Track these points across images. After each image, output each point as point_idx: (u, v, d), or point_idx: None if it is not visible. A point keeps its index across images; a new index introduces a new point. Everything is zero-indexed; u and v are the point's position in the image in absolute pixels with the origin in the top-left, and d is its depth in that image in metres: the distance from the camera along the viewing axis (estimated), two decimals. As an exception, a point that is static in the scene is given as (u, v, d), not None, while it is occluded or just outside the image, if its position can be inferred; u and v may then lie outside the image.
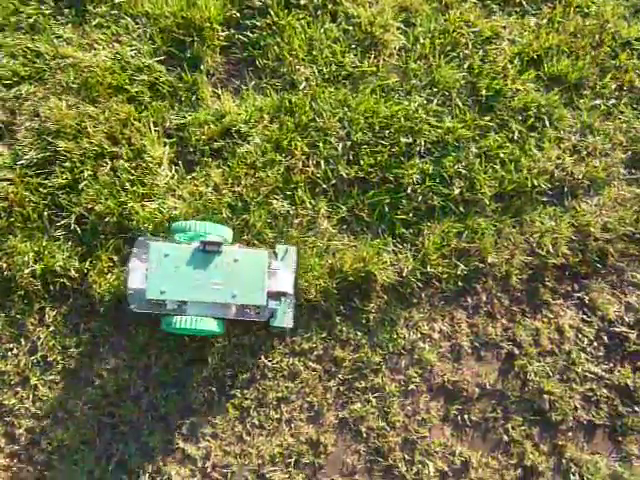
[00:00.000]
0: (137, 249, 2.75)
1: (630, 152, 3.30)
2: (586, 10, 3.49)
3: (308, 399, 2.89)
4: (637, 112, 3.36)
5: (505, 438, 2.91)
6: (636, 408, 2.99)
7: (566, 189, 3.21)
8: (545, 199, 3.18)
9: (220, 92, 3.21)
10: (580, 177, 3.22)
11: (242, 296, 2.69)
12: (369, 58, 3.27)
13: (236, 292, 2.68)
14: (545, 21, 3.44)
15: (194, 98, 3.19)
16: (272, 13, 3.29)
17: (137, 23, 3.26)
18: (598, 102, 3.34)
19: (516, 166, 3.18)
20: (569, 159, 3.24)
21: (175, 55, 3.22)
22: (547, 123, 3.25)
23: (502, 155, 3.18)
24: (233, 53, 3.29)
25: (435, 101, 3.22)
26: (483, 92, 3.25)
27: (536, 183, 3.15)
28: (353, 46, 3.29)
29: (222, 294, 2.67)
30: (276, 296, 2.79)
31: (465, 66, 3.30)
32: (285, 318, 2.85)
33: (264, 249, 2.86)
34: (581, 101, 3.33)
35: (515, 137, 3.23)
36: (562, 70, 3.34)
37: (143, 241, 2.77)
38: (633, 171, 3.28)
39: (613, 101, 3.35)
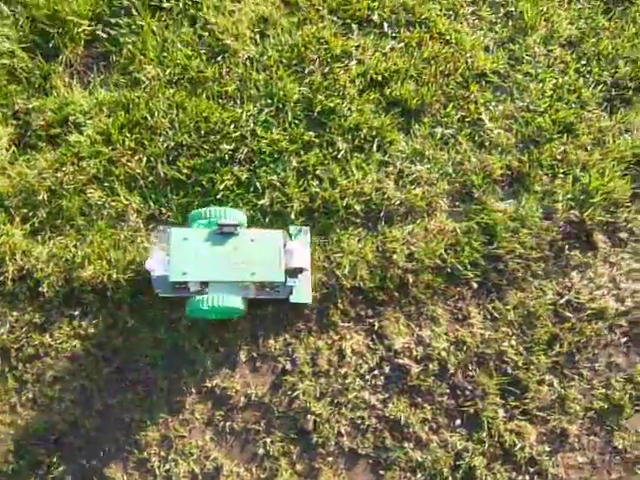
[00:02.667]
0: (157, 239, 2.41)
1: (457, 184, 2.69)
2: (447, 38, 2.88)
3: (82, 382, 2.45)
4: (475, 145, 2.72)
5: (262, 451, 2.40)
6: (404, 444, 2.41)
7: (382, 213, 2.61)
8: (358, 220, 2.60)
9: (73, 83, 2.84)
10: (398, 203, 2.64)
11: (261, 273, 2.33)
12: (214, 64, 2.81)
13: (255, 270, 2.32)
14: (401, 45, 2.88)
15: (48, 86, 2.78)
16: (135, 13, 2.87)
17: (12, 11, 2.89)
18: (437, 130, 2.75)
19: (332, 184, 2.64)
20: (391, 184, 2.67)
21: (39, 44, 2.83)
22: (375, 146, 2.70)
23: (319, 172, 2.66)
24: (95, 47, 2.86)
25: (266, 111, 2.71)
26: (317, 108, 2.73)
27: (348, 204, 2.60)
28: (203, 51, 2.80)
29: (242, 273, 2.32)
30: (293, 273, 2.37)
31: (306, 81, 2.79)
32: (304, 294, 2.45)
33: (278, 230, 2.45)
34: (417, 127, 2.75)
35: (339, 156, 2.66)
36: (404, 95, 2.73)
37: (163, 230, 2.42)
38: (457, 204, 2.70)
39: (452, 131, 2.75)
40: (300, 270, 2.38)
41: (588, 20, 2.95)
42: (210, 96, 2.71)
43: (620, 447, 2.43)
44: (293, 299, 2.45)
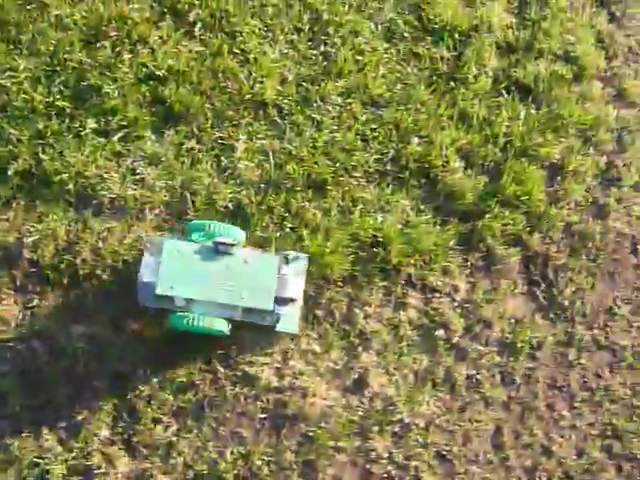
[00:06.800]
0: (150, 245, 2.24)
1: (177, 199, 2.36)
2: (250, 56, 2.51)
3: None
4: (218, 169, 2.39)
5: None
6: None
7: (95, 201, 2.35)
8: (71, 199, 2.35)
9: None
10: (112, 197, 2.35)
11: (251, 298, 2.15)
12: (24, 11, 2.57)
13: (245, 294, 2.14)
14: (202, 49, 2.57)
15: None
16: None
17: None
18: (189, 142, 2.42)
19: (60, 157, 2.38)
20: (116, 177, 2.37)
21: None
22: (121, 136, 2.41)
23: (53, 141, 2.39)
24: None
25: (43, 69, 2.47)
26: (86, 82, 2.46)
27: (63, 180, 2.36)
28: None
29: (231, 295, 2.15)
30: (284, 302, 2.20)
31: (93, 54, 2.50)
32: (291, 323, 2.25)
33: (275, 254, 2.31)
34: (170, 132, 2.44)
35: (82, 134, 2.41)
36: (173, 97, 2.43)
37: (156, 238, 2.30)
38: (167, 218, 2.36)
39: (202, 147, 2.42)
40: (291, 300, 2.20)
41: (407, 87, 2.55)
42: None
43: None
44: (279, 328, 2.25)
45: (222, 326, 2.15)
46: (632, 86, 2.65)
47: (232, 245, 2.16)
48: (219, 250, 2.15)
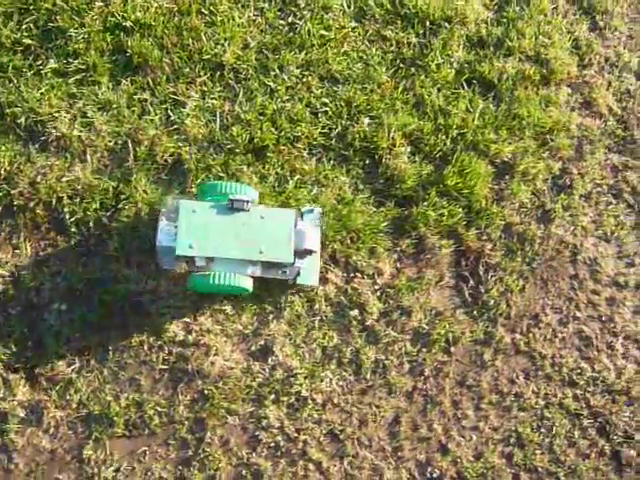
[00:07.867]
0: (165, 208, 2.25)
1: (119, 146, 2.39)
2: (216, 19, 2.52)
3: None
4: (166, 122, 2.40)
5: None
6: None
7: (43, 137, 2.38)
8: (22, 134, 2.37)
9: None
10: (59, 136, 2.38)
11: (269, 252, 2.15)
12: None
13: (263, 248, 2.14)
14: (172, 6, 2.57)
15: None
16: None
17: None
18: (142, 94, 2.44)
19: (17, 91, 2.40)
20: (66, 118, 2.41)
21: None
22: (78, 79, 2.44)
23: (12, 75, 2.43)
24: None
25: (13, 9, 2.56)
26: (54, 24, 2.48)
27: (15, 114, 2.39)
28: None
29: (249, 251, 2.15)
30: (303, 254, 2.21)
31: None
32: (311, 276, 2.27)
33: (290, 209, 2.36)
34: (126, 82, 2.44)
35: (42, 72, 2.43)
36: (134, 47, 2.45)
37: (172, 200, 2.34)
38: (107, 163, 2.39)
39: (154, 100, 2.43)
40: (310, 252, 2.21)
41: (368, 68, 2.52)
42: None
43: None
44: (300, 281, 2.26)
45: (245, 283, 2.14)
46: (602, 97, 2.57)
47: (247, 202, 2.15)
48: (234, 207, 2.15)
